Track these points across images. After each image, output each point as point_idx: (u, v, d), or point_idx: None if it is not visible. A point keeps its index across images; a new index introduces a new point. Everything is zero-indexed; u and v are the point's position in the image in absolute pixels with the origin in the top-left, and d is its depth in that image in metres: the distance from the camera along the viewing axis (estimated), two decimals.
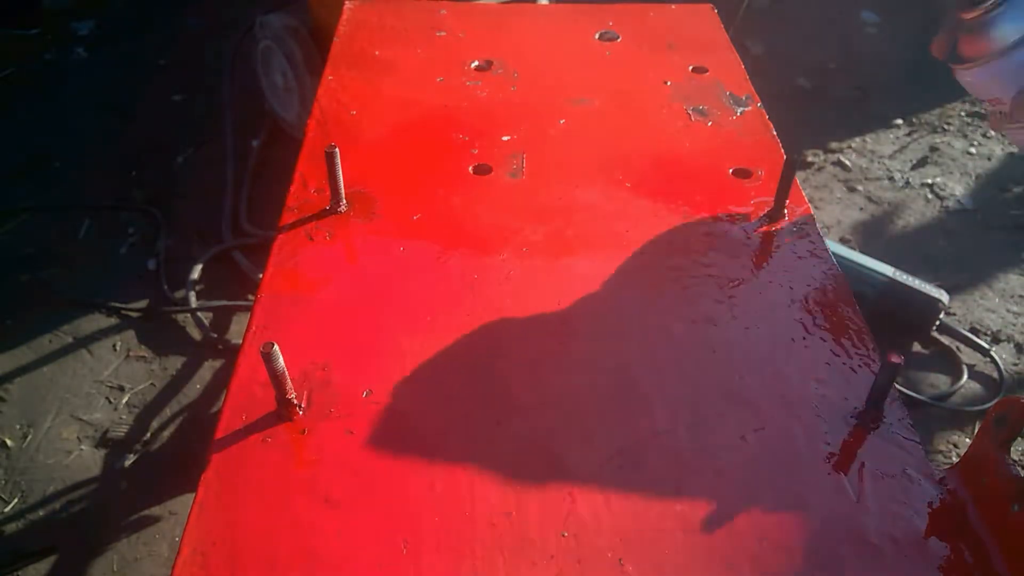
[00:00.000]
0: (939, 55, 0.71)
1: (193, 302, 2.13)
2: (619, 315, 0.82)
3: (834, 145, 2.81)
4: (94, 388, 1.93)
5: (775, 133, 1.10)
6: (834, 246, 2.21)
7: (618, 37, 1.32)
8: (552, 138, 1.09)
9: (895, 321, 2.06)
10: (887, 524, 0.64)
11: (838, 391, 0.74)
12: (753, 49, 3.25)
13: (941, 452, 1.84)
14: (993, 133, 2.87)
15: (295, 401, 0.70)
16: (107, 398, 1.90)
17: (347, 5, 1.37)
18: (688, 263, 0.89)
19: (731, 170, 1.03)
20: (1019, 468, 0.61)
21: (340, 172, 0.92)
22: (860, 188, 2.63)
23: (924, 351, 2.09)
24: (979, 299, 2.23)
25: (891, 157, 2.77)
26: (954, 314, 2.17)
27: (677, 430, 0.71)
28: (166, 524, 1.65)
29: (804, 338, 0.80)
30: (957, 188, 2.63)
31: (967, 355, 2.06)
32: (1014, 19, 0.57)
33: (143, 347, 2.03)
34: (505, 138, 1.08)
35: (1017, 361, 2.06)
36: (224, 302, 2.14)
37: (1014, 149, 2.79)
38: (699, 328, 0.81)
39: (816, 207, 2.53)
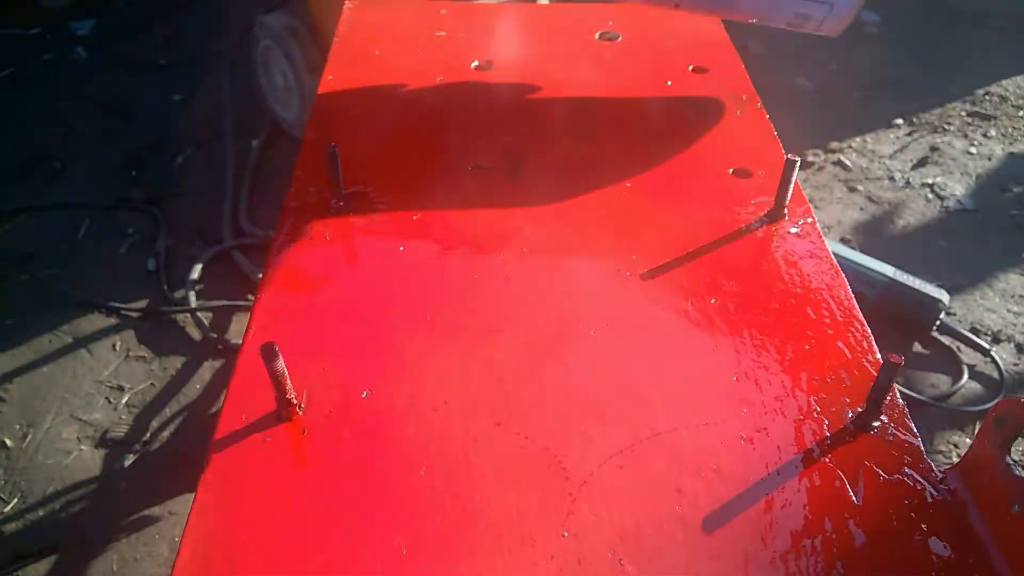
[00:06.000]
0: None
1: (193, 302, 2.13)
2: (619, 315, 0.82)
3: (834, 145, 2.81)
4: (94, 388, 1.93)
5: (775, 133, 1.10)
6: (834, 246, 2.21)
7: (618, 37, 1.32)
8: (552, 138, 1.09)
9: (895, 321, 2.06)
10: (887, 524, 0.64)
11: (838, 391, 0.74)
12: (753, 49, 3.25)
13: (941, 452, 1.84)
14: (994, 133, 2.87)
15: (295, 401, 0.70)
16: (107, 398, 1.90)
17: (347, 5, 1.37)
18: (688, 263, 0.89)
19: (731, 170, 1.03)
20: (1019, 468, 0.61)
21: (340, 172, 0.92)
22: (860, 188, 2.63)
23: (924, 351, 2.09)
24: (979, 299, 2.23)
25: (891, 157, 2.77)
26: (954, 314, 2.17)
27: (677, 430, 0.71)
28: (166, 524, 1.65)
29: (804, 338, 0.80)
30: (957, 188, 2.63)
31: (967, 355, 2.06)
32: None
33: (143, 347, 2.03)
34: (505, 138, 1.08)
35: (1017, 361, 2.06)
36: (224, 302, 2.15)
37: (1014, 149, 2.79)
38: (699, 328, 0.81)
39: (816, 207, 2.53)
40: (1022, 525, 0.60)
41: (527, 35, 1.32)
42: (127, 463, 1.77)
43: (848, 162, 2.73)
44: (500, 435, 0.70)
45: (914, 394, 1.94)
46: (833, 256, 0.90)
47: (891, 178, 2.68)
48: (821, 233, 0.93)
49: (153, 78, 3.08)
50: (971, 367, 2.03)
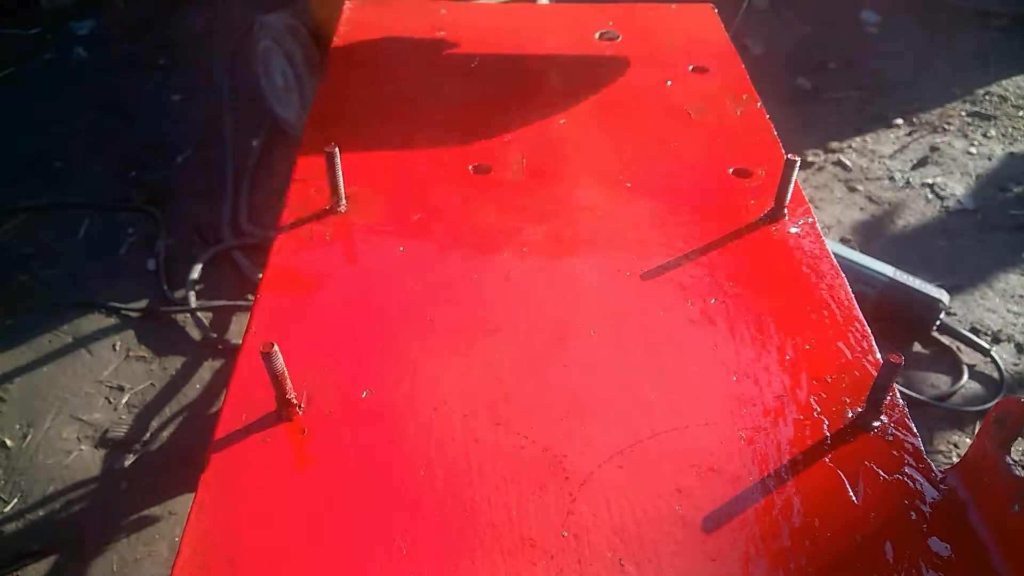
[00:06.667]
0: None
1: (193, 302, 2.13)
2: (619, 315, 0.82)
3: (834, 145, 2.81)
4: (94, 388, 1.93)
5: (775, 133, 1.10)
6: (834, 246, 2.21)
7: (618, 37, 1.32)
8: (552, 138, 1.09)
9: (895, 321, 2.06)
10: (887, 524, 0.64)
11: (838, 391, 0.74)
12: (753, 49, 3.25)
13: (941, 452, 1.84)
14: (994, 133, 2.87)
15: (295, 401, 0.70)
16: (107, 398, 1.90)
17: (347, 5, 1.37)
18: (688, 263, 0.89)
19: (731, 170, 1.03)
20: (1019, 468, 0.61)
21: (340, 172, 0.92)
22: (860, 188, 2.63)
23: (924, 351, 2.09)
24: (979, 299, 2.23)
25: (891, 157, 2.77)
26: (954, 314, 2.17)
27: (677, 430, 0.71)
28: (166, 524, 1.65)
29: (804, 338, 0.80)
30: (957, 188, 2.63)
31: (967, 355, 2.06)
32: None
33: (143, 347, 2.03)
34: (505, 138, 1.08)
35: (1017, 361, 2.06)
36: (224, 302, 2.14)
37: (1014, 149, 2.79)
38: (699, 328, 0.81)
39: (816, 207, 2.53)
40: (1022, 525, 0.60)
41: (527, 35, 1.32)
42: (127, 463, 1.77)
43: (848, 162, 2.73)
44: (500, 435, 0.70)
45: (914, 394, 1.94)
46: (833, 256, 0.90)
47: (891, 178, 2.68)
48: (821, 233, 0.93)
49: (153, 78, 3.08)
50: (971, 367, 2.03)
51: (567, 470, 0.67)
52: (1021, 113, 2.99)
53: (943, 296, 2.06)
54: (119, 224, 2.42)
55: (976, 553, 0.62)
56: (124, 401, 1.90)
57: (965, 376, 2.01)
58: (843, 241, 2.41)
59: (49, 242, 2.35)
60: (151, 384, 1.95)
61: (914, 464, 0.68)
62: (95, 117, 2.86)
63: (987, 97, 3.06)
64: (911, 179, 2.68)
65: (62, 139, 2.75)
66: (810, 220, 0.95)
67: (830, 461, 0.68)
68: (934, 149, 2.80)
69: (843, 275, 0.87)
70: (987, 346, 2.06)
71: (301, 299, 0.83)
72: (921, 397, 1.94)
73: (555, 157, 1.05)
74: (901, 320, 2.08)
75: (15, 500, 1.69)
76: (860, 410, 0.72)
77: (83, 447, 1.80)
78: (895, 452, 0.69)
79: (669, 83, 1.20)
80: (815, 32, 3.41)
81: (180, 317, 2.12)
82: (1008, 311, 2.19)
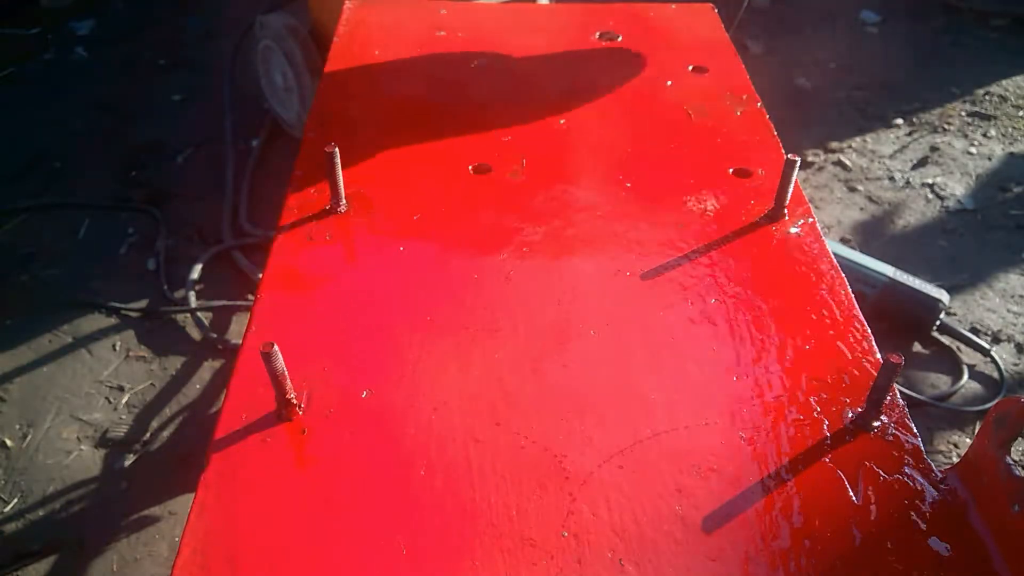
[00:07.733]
0: None
1: (193, 302, 2.13)
2: (619, 315, 0.82)
3: (834, 145, 2.81)
4: (94, 388, 1.93)
5: (775, 133, 1.10)
6: (834, 246, 2.21)
7: (618, 37, 1.32)
8: (552, 138, 1.09)
9: (895, 321, 2.06)
10: (887, 524, 0.64)
11: (838, 391, 0.74)
12: (753, 49, 3.25)
13: (941, 452, 1.84)
14: (994, 133, 2.87)
15: (295, 401, 0.70)
16: (107, 398, 1.90)
17: (347, 5, 1.37)
18: (688, 263, 0.89)
19: (731, 170, 1.03)
20: (1019, 468, 0.61)
21: (340, 172, 0.92)
22: (860, 188, 2.63)
23: (924, 351, 2.09)
24: (979, 299, 2.22)
25: (891, 157, 2.77)
26: (954, 314, 2.17)
27: (677, 430, 0.71)
28: (166, 524, 1.65)
29: (804, 338, 0.80)
30: (957, 188, 2.63)
31: (967, 355, 2.06)
32: None
33: (143, 347, 2.03)
34: (505, 138, 1.08)
35: (1017, 361, 2.06)
36: (224, 302, 2.14)
37: (1014, 149, 2.79)
38: (699, 328, 0.81)
39: (816, 207, 2.53)
40: (1022, 525, 0.60)
41: (527, 35, 1.32)
42: (127, 463, 1.77)
43: (848, 162, 2.73)
44: (500, 435, 0.70)
45: (914, 394, 1.94)
46: (833, 256, 0.90)
47: (891, 178, 2.68)
48: (821, 233, 0.93)
49: (153, 78, 3.08)
50: (971, 367, 2.03)
51: (567, 470, 0.67)
52: (1021, 113, 2.99)
53: (943, 296, 2.06)
54: (119, 224, 2.42)
55: (976, 553, 0.62)
56: (124, 401, 1.90)
57: (965, 376, 2.01)
58: (843, 241, 2.41)
59: (49, 242, 2.35)
60: (151, 384, 1.95)
61: (914, 464, 0.68)
62: (95, 117, 2.86)
63: (987, 97, 3.06)
64: (911, 179, 2.68)
65: (62, 139, 2.75)
66: (810, 220, 0.95)
67: (830, 461, 0.68)
68: (934, 149, 2.80)
69: (843, 275, 0.87)
70: (987, 346, 2.06)
71: (301, 299, 0.83)
72: (921, 397, 1.94)
73: (555, 157, 1.05)
74: (901, 320, 2.08)
75: (15, 500, 1.69)
76: (860, 410, 0.72)
77: (83, 447, 1.80)
78: (895, 452, 0.69)
79: (669, 83, 1.20)
80: (815, 32, 3.41)
81: (180, 317, 2.12)
82: (1008, 311, 2.19)
